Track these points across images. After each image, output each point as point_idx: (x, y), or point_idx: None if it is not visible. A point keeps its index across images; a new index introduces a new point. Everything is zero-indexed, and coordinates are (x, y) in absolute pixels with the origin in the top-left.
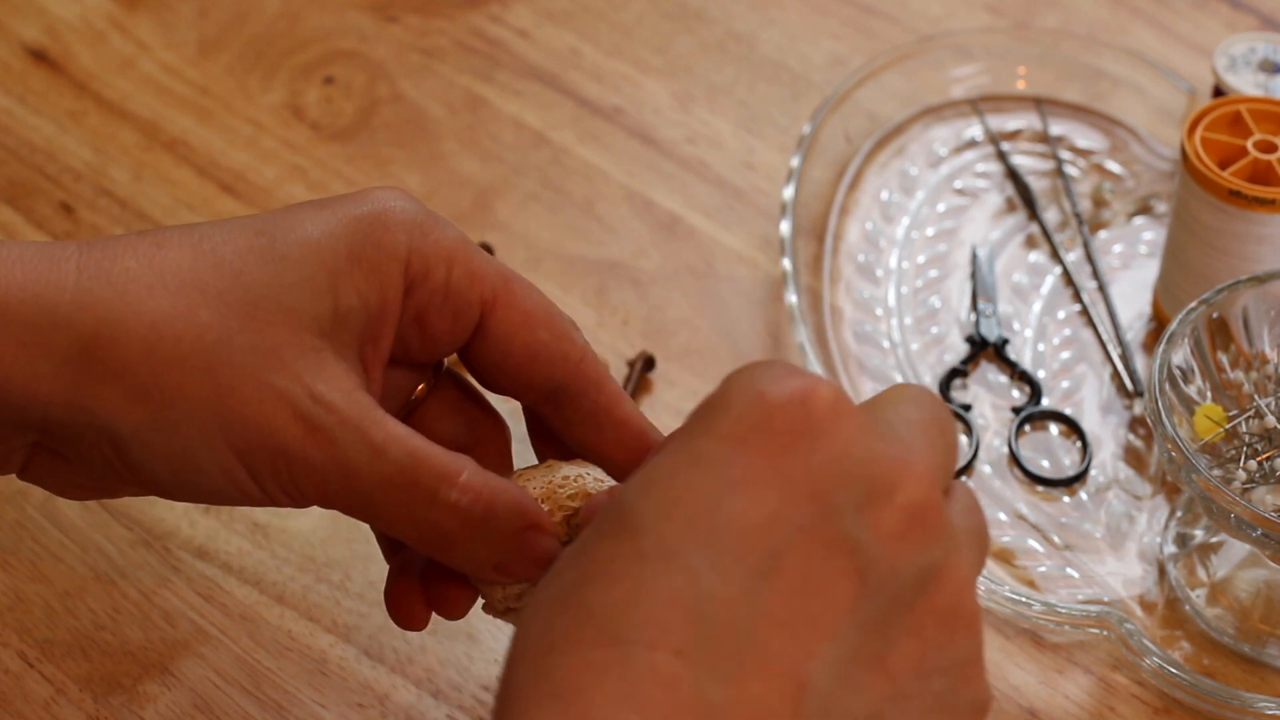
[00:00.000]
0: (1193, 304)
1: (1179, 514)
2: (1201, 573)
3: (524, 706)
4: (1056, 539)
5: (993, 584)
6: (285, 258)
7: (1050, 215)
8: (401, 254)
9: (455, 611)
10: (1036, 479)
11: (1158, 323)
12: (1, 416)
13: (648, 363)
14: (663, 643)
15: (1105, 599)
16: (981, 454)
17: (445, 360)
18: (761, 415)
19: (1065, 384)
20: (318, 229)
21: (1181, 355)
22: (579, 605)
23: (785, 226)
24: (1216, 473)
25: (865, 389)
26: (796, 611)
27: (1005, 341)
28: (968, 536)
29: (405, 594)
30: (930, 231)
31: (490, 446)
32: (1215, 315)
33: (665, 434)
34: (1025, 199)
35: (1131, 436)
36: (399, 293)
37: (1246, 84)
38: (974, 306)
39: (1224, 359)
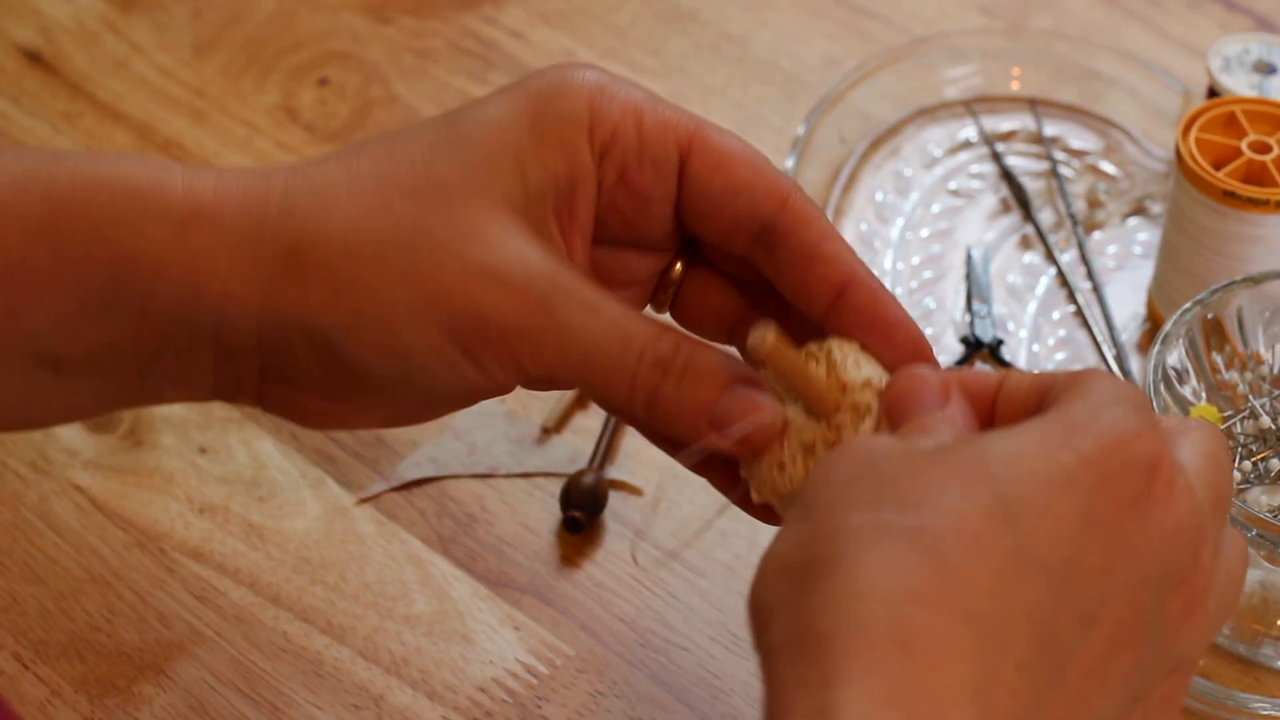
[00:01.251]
0: (1187, 305)
1: None
2: None
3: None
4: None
5: None
6: (470, 143)
7: (1045, 216)
8: (583, 120)
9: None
10: None
11: (1152, 323)
12: (222, 332)
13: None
14: (1012, 649)
15: None
16: None
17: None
18: (1121, 465)
19: None
20: (499, 111)
21: (1176, 356)
22: (943, 575)
23: None
24: None
25: None
26: (1100, 663)
27: (1000, 342)
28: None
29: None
30: (925, 233)
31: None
32: (1210, 316)
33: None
34: (1020, 200)
35: None
36: (589, 159)
37: (1241, 85)
38: (969, 307)
39: (1219, 360)
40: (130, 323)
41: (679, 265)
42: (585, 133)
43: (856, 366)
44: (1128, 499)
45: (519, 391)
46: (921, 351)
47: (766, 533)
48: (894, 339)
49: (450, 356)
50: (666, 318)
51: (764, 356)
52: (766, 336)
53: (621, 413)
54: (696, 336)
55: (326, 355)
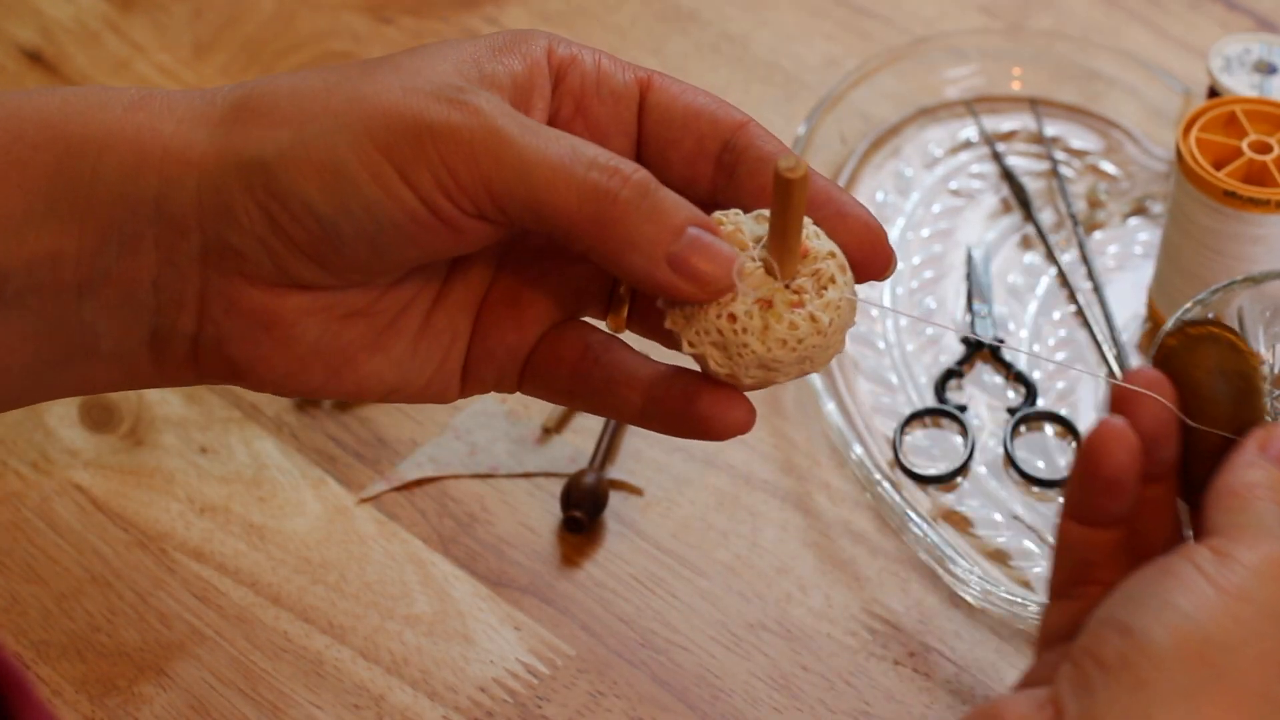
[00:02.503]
0: (1187, 304)
1: None
2: None
3: None
4: (1052, 540)
5: (988, 585)
6: (428, 53)
7: (1045, 216)
8: (542, 44)
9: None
10: (1032, 480)
11: (1153, 323)
12: (163, 204)
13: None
14: None
15: None
16: (977, 455)
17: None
18: None
19: (1061, 385)
20: (461, 41)
21: None
22: None
23: None
24: None
25: (861, 389)
26: None
27: (1000, 342)
28: None
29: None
30: (925, 232)
31: None
32: (1210, 316)
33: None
34: (1020, 200)
35: None
36: (545, 73)
37: (1241, 85)
38: (969, 307)
39: None
40: (74, 220)
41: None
42: (544, 54)
43: (818, 238)
44: None
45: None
46: (874, 235)
47: (766, 532)
48: (849, 224)
49: (385, 175)
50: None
51: (796, 179)
52: (802, 164)
53: (568, 239)
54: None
55: (265, 196)
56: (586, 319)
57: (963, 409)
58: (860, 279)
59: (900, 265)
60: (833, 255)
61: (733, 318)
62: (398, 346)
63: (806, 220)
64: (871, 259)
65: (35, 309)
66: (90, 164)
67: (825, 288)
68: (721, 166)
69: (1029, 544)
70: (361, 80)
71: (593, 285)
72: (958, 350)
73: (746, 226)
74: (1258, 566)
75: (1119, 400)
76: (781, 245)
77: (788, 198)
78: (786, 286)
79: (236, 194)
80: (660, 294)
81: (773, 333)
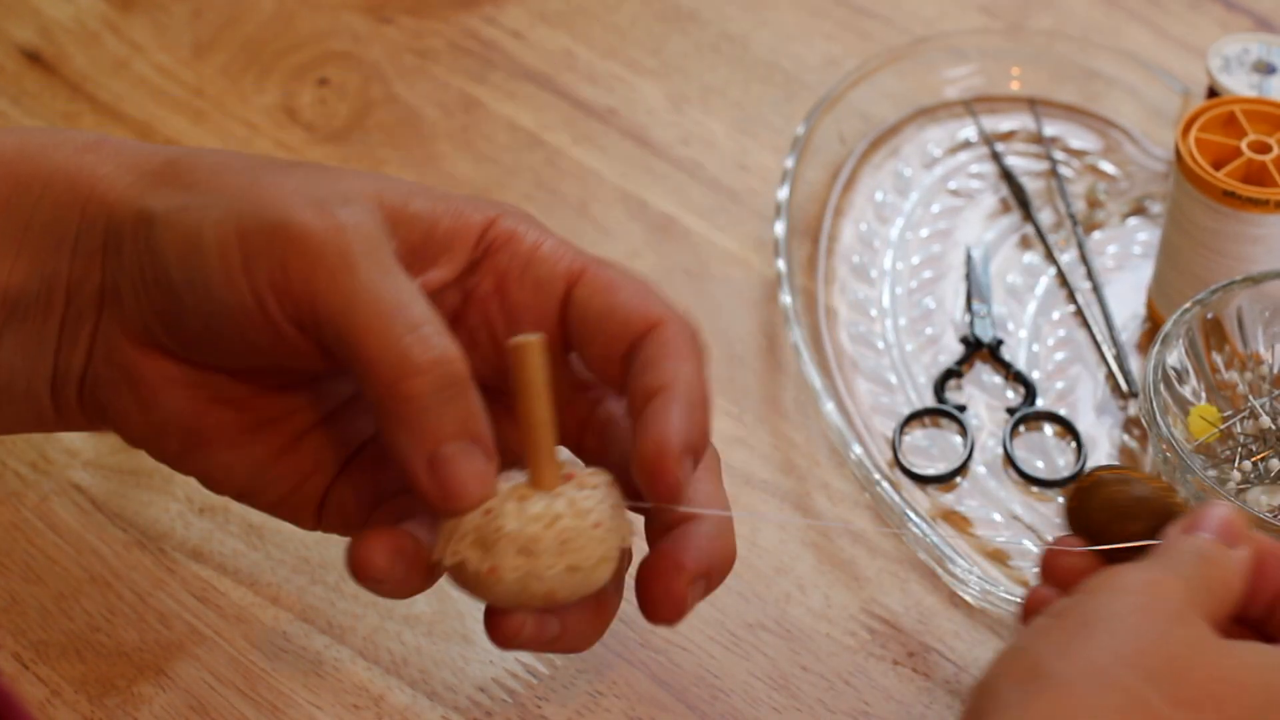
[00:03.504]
0: (1187, 304)
1: None
2: None
3: None
4: (1051, 539)
5: (987, 585)
6: (376, 175)
7: (1045, 216)
8: (489, 214)
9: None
10: (1031, 479)
11: (1152, 323)
12: (80, 237)
13: None
14: None
15: None
16: (976, 455)
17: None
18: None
19: (1060, 385)
20: (424, 185)
21: (1176, 356)
22: None
23: (780, 227)
24: (1211, 474)
25: (860, 389)
26: None
27: (1000, 342)
28: None
29: (375, 537)
30: (924, 232)
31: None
32: (1210, 316)
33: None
34: (1020, 200)
35: (1126, 437)
36: (471, 238)
37: (1240, 85)
38: (968, 307)
39: (1218, 360)
40: (10, 256)
41: None
42: (481, 224)
43: (594, 479)
44: None
45: None
46: (663, 475)
47: (765, 532)
48: (643, 448)
49: (230, 259)
50: None
51: (522, 348)
52: (533, 337)
53: (363, 386)
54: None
55: (142, 249)
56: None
57: (962, 409)
58: (645, 497)
59: (899, 265)
60: (607, 480)
61: (489, 511)
62: (258, 450)
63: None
64: (654, 477)
65: None
66: (33, 201)
67: (586, 489)
68: (627, 367)
69: (1028, 544)
70: (279, 172)
71: None
72: (957, 350)
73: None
74: (1098, 583)
75: (1048, 565)
76: (533, 439)
77: (523, 374)
78: (546, 493)
79: (126, 240)
80: (413, 489)
81: (528, 510)
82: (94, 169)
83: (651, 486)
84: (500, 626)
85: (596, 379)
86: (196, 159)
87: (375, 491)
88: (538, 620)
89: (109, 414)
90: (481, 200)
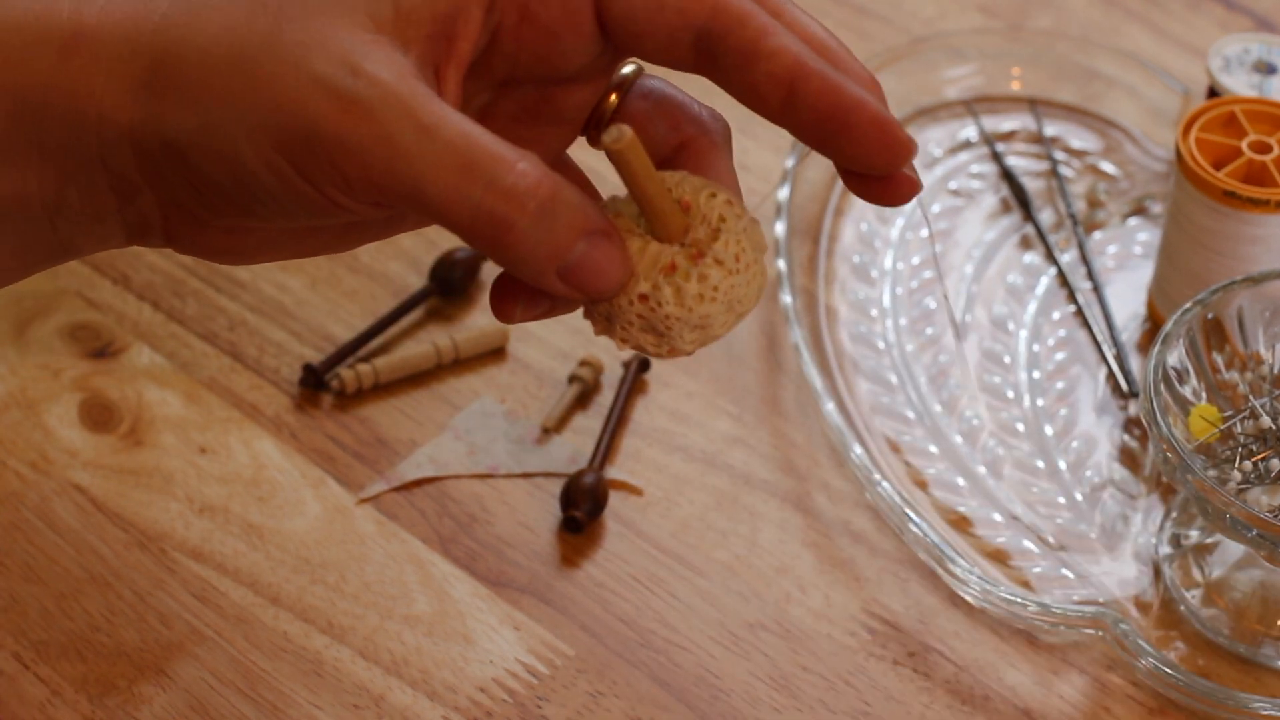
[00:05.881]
0: (1187, 305)
1: (1174, 515)
2: (1196, 573)
3: None
4: (1051, 539)
5: (988, 585)
6: None
7: (1045, 216)
8: None
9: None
10: (1032, 479)
11: (1153, 323)
12: (107, 159)
13: (642, 364)
14: None
15: (1100, 600)
16: (976, 455)
17: (630, 70)
18: None
19: (1060, 385)
20: None
21: (1176, 356)
22: None
23: (780, 227)
24: (1211, 473)
25: (860, 389)
26: None
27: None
28: None
29: (507, 287)
30: (925, 233)
31: (702, 146)
32: (1210, 316)
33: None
34: (1020, 200)
35: (1126, 437)
36: None
37: (1241, 85)
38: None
39: (1219, 359)
40: (31, 165)
41: (613, 97)
42: None
43: (687, 181)
44: None
45: (519, 391)
46: (886, 132)
47: (765, 532)
48: (853, 124)
49: (283, 171)
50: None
51: (621, 148)
52: (625, 131)
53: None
54: (553, 172)
55: (184, 171)
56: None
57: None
58: (881, 170)
59: (899, 266)
60: (714, 195)
61: (644, 298)
62: (352, 241)
63: (673, 174)
64: (887, 154)
65: (13, 230)
66: (35, 115)
67: (718, 229)
68: (703, 56)
69: (1028, 544)
70: (262, 51)
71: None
72: (956, 349)
73: (626, 209)
74: None
75: None
76: (650, 211)
77: (626, 167)
78: (682, 245)
79: (163, 168)
80: (556, 298)
81: (687, 293)
82: (89, 86)
83: (891, 153)
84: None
85: (660, 63)
86: (177, 55)
87: None
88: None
89: (216, 258)
90: None
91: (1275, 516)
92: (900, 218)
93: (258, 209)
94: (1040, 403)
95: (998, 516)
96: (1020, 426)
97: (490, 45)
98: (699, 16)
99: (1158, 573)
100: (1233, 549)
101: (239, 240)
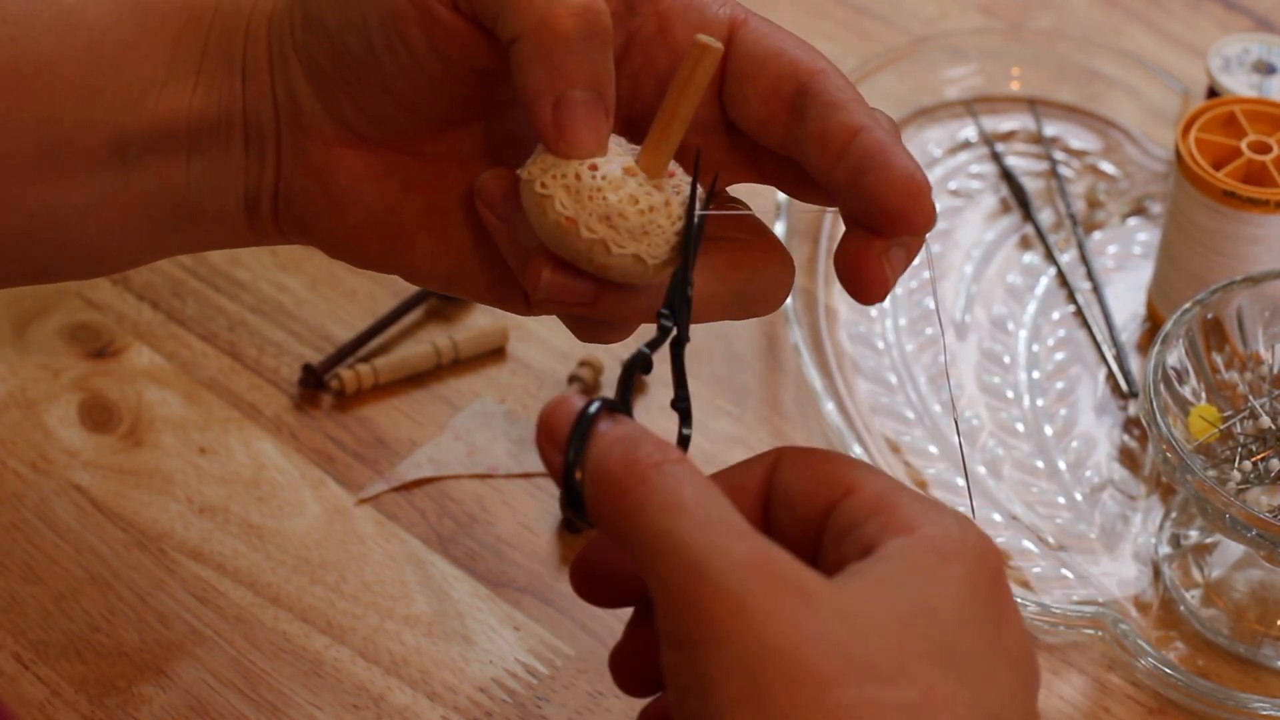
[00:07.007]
0: (1187, 305)
1: (1174, 515)
2: (1196, 573)
3: None
4: (1051, 540)
5: None
6: None
7: (1045, 216)
8: None
9: None
10: (1032, 480)
11: (1152, 324)
12: (249, 63)
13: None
14: None
15: (1100, 600)
16: (977, 455)
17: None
18: (992, 579)
19: (1060, 385)
20: None
21: (1176, 356)
22: None
23: (780, 227)
24: (1211, 474)
25: (860, 389)
26: None
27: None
28: None
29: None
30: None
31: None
32: (1210, 316)
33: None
34: (1020, 200)
35: (1126, 437)
36: None
37: (1240, 85)
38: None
39: (1219, 360)
40: (188, 85)
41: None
42: None
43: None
44: (1001, 607)
45: (519, 391)
46: (915, 187)
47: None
48: (891, 176)
49: (402, 8)
50: None
51: (705, 53)
52: (717, 44)
53: (508, 49)
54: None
55: (303, 33)
56: None
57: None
58: (898, 231)
59: None
60: (702, 194)
61: (595, 167)
62: (455, 232)
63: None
64: (909, 213)
65: (152, 170)
66: (204, 29)
67: (683, 194)
68: (794, 111)
69: (1028, 544)
70: None
71: None
72: (956, 349)
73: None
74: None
75: None
76: (660, 122)
77: (689, 70)
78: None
79: (288, 38)
80: (533, 126)
81: (628, 187)
82: None
83: (912, 216)
84: (535, 275)
85: (754, 119)
86: None
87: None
88: (576, 277)
89: (307, 227)
90: None
91: (1275, 516)
92: None
93: (349, 49)
94: (1040, 403)
95: (997, 516)
96: (1020, 426)
97: (621, 57)
98: (805, 74)
99: (1157, 573)
100: (1232, 549)
101: (327, 198)
